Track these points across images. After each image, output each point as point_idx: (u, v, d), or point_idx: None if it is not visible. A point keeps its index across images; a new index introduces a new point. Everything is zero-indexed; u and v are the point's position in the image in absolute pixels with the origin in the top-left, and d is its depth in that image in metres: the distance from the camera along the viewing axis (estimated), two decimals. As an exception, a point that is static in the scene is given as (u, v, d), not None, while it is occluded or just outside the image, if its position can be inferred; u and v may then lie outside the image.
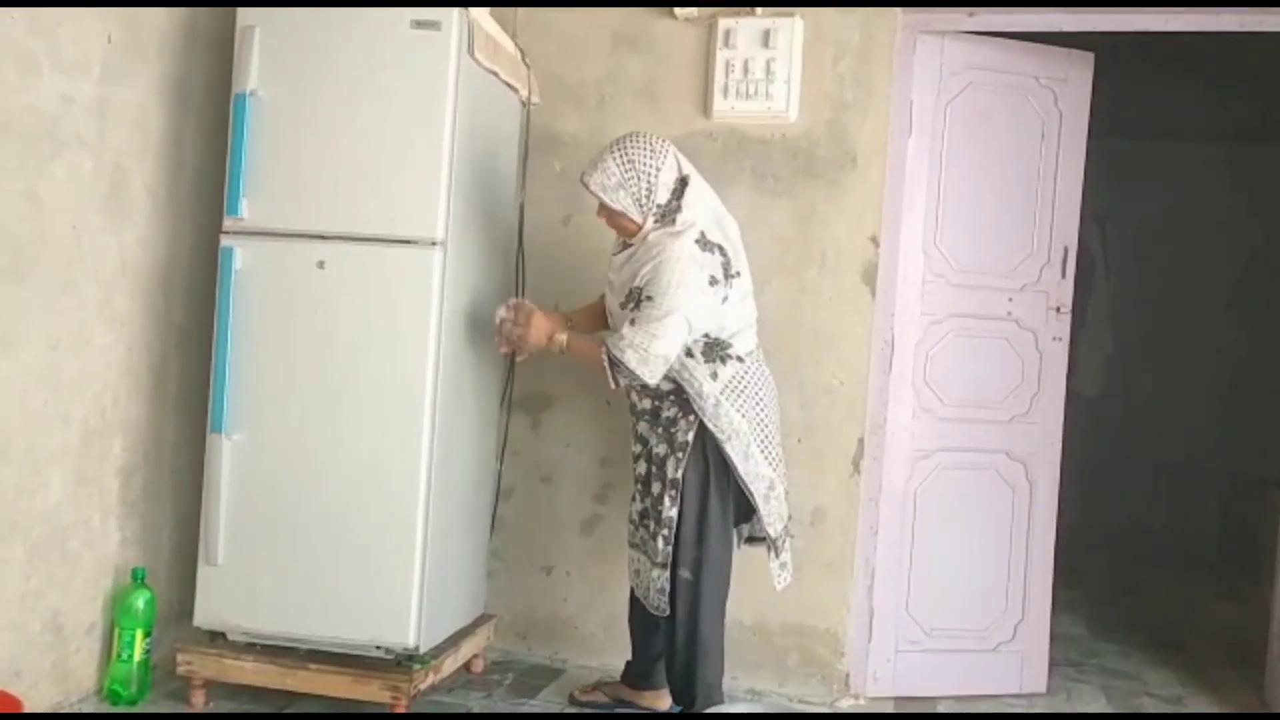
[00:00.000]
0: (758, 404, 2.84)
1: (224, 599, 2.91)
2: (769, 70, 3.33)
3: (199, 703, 2.93)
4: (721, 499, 2.82)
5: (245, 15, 2.90)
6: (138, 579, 2.93)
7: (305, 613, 2.86)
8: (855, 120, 3.33)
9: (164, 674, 2.99)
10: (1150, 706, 3.56)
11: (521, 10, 3.50)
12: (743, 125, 3.39)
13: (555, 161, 3.50)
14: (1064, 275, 3.51)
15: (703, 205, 2.82)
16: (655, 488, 2.84)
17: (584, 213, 3.46)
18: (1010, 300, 3.47)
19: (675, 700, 2.93)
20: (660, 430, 2.85)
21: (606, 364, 2.75)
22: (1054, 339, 3.52)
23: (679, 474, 2.79)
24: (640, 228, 2.81)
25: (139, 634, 2.89)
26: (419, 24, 2.82)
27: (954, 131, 3.40)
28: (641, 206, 2.78)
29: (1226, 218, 6.17)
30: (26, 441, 2.66)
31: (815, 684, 3.35)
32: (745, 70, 3.34)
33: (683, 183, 2.80)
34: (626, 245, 2.87)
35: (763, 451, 2.83)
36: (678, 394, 2.82)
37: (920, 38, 3.35)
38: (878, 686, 3.39)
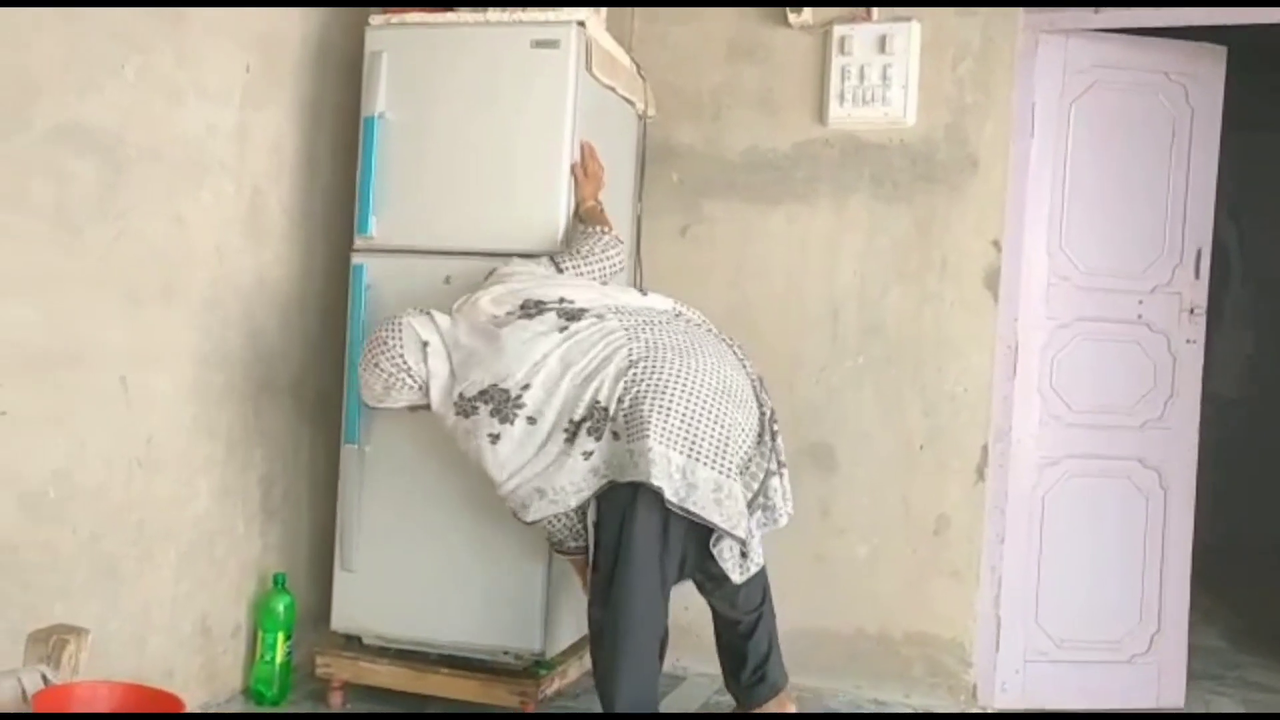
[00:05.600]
0: (660, 411, 2.43)
1: (359, 604, 3.01)
2: (885, 75, 3.31)
3: (337, 704, 3.03)
4: (658, 530, 2.49)
5: (373, 41, 3.01)
6: (278, 584, 3.05)
7: (436, 618, 2.95)
8: (975, 123, 3.28)
9: (304, 675, 3.11)
10: (1297, 723, 3.42)
11: (638, 23, 3.55)
12: (860, 131, 3.37)
13: (672, 173, 3.53)
14: (1197, 276, 3.40)
15: (445, 361, 2.63)
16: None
17: (701, 223, 3.51)
18: (1140, 303, 3.37)
19: None
20: None
21: None
22: (1188, 341, 3.41)
23: (596, 516, 2.59)
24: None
25: (280, 637, 3.00)
26: (538, 43, 2.88)
27: (1079, 131, 3.32)
28: (420, 390, 2.65)
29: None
30: (178, 453, 2.80)
31: (942, 694, 3.31)
32: (861, 76, 3.32)
33: (424, 346, 2.64)
34: None
35: (690, 454, 2.43)
36: None
37: (1042, 37, 3.28)
38: (1006, 698, 3.33)
